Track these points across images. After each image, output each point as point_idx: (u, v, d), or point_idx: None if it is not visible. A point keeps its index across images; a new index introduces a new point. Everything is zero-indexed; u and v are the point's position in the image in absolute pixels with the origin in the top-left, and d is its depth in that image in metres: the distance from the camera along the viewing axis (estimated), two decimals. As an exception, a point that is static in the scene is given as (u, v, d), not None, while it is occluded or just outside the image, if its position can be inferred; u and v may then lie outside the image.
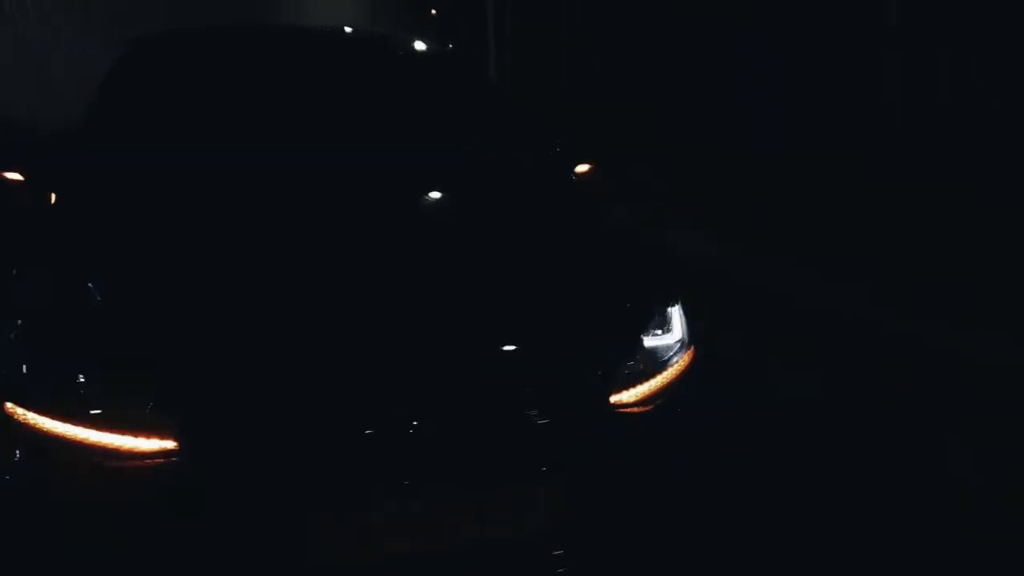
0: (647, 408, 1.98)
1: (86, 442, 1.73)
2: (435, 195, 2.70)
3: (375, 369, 1.82)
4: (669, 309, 2.18)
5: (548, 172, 2.97)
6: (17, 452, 1.79)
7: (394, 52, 3.63)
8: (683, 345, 2.14)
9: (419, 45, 3.70)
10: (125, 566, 1.75)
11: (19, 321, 1.92)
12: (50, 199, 2.52)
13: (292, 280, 2.03)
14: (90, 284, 2.00)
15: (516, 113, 3.46)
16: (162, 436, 1.71)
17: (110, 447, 1.72)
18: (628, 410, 1.96)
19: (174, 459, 1.71)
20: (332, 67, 3.23)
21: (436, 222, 2.49)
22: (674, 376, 2.06)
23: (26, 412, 1.76)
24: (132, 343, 1.83)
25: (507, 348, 1.94)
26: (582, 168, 3.01)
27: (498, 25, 13.27)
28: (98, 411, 1.73)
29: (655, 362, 2.05)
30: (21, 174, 2.69)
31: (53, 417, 1.74)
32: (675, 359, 2.09)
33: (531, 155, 3.06)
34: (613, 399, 1.95)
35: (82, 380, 1.77)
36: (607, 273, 2.27)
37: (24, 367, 1.83)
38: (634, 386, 1.98)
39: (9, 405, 1.78)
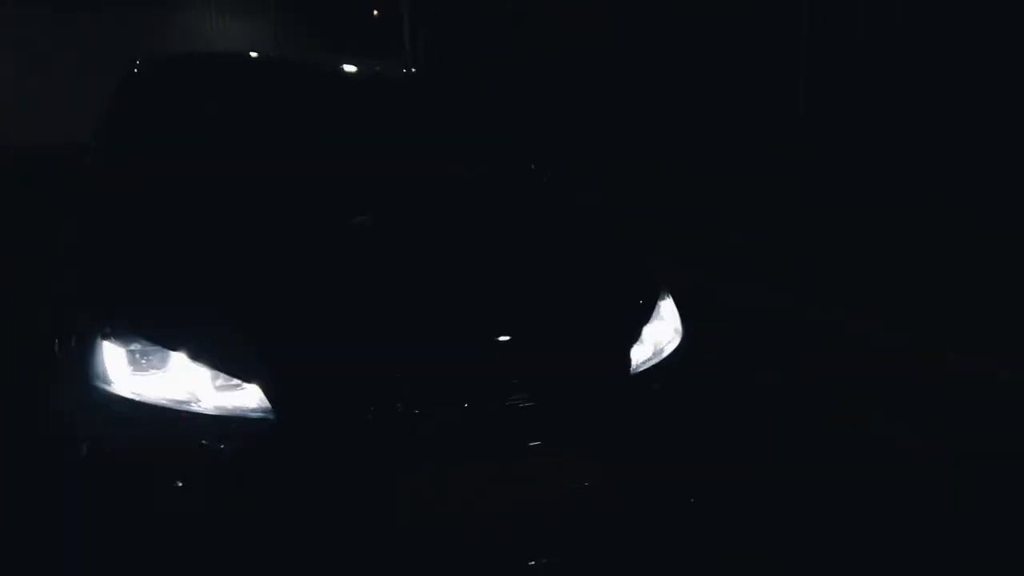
0: (655, 382, 2.36)
1: (189, 413, 1.95)
2: (463, 207, 2.97)
3: (453, 359, 2.11)
4: (665, 300, 2.59)
5: (548, 186, 3.34)
6: (116, 427, 1.98)
7: (384, 81, 4.00)
8: (677, 330, 2.54)
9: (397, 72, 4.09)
10: (226, 528, 1.95)
11: (106, 306, 2.11)
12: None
13: (356, 271, 2.33)
14: (167, 270, 2.23)
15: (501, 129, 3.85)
16: (262, 405, 1.95)
17: (213, 415, 1.95)
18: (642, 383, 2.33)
19: (275, 426, 1.95)
20: (332, 93, 3.63)
21: (472, 234, 2.74)
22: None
23: (124, 388, 1.96)
24: (228, 321, 2.06)
25: (551, 334, 2.27)
26: None
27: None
28: (201, 384, 1.96)
29: (658, 343, 2.44)
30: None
31: (152, 391, 1.96)
32: (673, 341, 2.49)
33: (529, 169, 3.44)
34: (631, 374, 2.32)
35: (181, 355, 1.98)
36: (616, 272, 2.68)
37: (116, 345, 2.00)
38: (643, 363, 2.37)
39: (98, 384, 1.97)
